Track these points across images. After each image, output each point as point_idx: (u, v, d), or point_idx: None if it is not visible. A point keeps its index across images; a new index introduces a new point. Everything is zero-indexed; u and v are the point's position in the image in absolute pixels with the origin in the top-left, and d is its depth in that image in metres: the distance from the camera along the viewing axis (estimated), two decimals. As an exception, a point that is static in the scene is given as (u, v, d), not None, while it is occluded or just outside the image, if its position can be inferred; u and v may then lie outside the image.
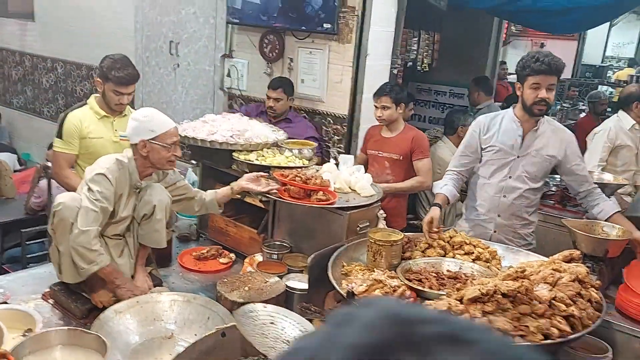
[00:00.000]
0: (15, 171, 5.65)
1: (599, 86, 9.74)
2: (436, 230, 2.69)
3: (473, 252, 2.71)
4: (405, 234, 2.80)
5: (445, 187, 2.95)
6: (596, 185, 2.91)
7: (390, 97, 3.54)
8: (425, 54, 5.53)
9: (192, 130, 3.19)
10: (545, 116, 2.88)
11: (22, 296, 2.58)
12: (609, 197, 3.63)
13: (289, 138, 3.48)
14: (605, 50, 11.62)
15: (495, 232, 2.98)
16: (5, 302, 2.45)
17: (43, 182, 4.47)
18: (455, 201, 3.27)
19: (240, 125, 3.24)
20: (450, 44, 5.69)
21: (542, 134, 2.86)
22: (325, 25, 3.87)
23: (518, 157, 2.89)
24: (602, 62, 11.35)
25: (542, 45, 10.73)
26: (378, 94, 3.59)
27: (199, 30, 4.73)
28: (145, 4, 5.05)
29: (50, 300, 2.55)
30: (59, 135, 3.13)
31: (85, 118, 3.12)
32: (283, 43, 4.21)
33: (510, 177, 2.92)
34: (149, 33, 5.08)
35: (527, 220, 2.97)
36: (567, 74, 10.35)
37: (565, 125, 6.01)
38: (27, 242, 4.56)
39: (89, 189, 2.38)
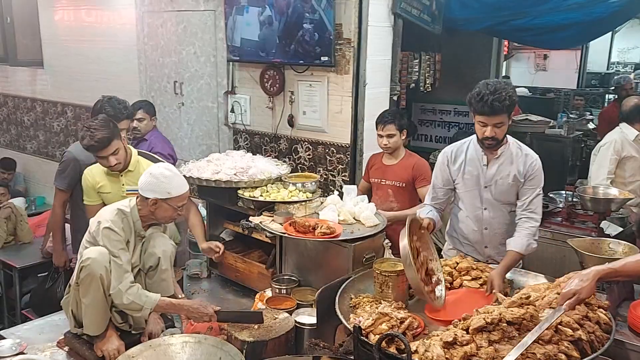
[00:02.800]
0: (30, 215, 5.76)
1: (606, 95, 9.70)
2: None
3: (480, 277, 2.72)
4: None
5: (430, 212, 2.90)
6: (530, 217, 2.73)
7: (395, 124, 3.56)
8: (427, 74, 5.58)
9: (197, 170, 3.25)
10: (511, 140, 2.83)
11: (38, 345, 2.64)
12: (618, 211, 3.63)
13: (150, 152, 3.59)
14: (610, 57, 11.58)
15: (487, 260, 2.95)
16: (22, 353, 2.50)
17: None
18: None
19: (243, 162, 3.30)
20: (452, 63, 5.74)
21: (506, 160, 2.79)
22: (322, 58, 3.95)
23: (485, 187, 2.85)
24: (607, 69, 11.30)
25: (546, 57, 10.74)
26: (382, 122, 3.58)
27: (200, 69, 4.84)
28: (147, 47, 5.18)
29: (65, 348, 2.61)
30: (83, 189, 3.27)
31: (97, 173, 3.23)
32: (283, 77, 4.30)
33: (485, 209, 2.89)
34: (153, 74, 5.21)
35: None
36: (572, 83, 10.37)
37: (574, 136, 5.91)
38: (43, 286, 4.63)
39: (105, 245, 2.45)
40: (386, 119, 3.58)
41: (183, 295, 2.91)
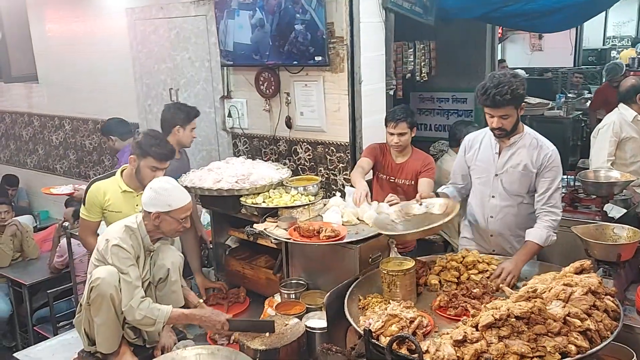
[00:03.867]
0: (35, 230, 5.79)
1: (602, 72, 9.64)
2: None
3: (487, 270, 2.73)
4: (418, 258, 2.84)
5: (446, 189, 3.09)
6: (551, 212, 2.78)
7: (407, 122, 3.52)
8: (422, 63, 5.57)
9: (199, 179, 3.25)
10: (528, 130, 2.88)
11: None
12: (621, 193, 3.62)
13: None
14: (605, 32, 11.51)
15: (493, 251, 2.98)
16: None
17: (64, 241, 4.57)
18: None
19: (244, 169, 3.30)
20: (447, 50, 5.72)
21: (519, 149, 2.84)
22: (316, 58, 3.94)
23: (496, 175, 2.90)
24: (603, 45, 11.24)
25: (541, 37, 10.67)
26: (394, 120, 3.52)
27: (196, 74, 4.84)
28: (141, 54, 5.17)
29: (80, 367, 2.63)
30: (84, 202, 3.19)
31: (108, 190, 3.13)
32: (278, 79, 4.29)
33: (493, 197, 2.93)
34: (148, 81, 5.20)
35: (521, 236, 2.90)
36: (568, 62, 10.32)
37: (573, 117, 5.89)
38: (55, 302, 4.66)
39: (114, 262, 2.46)
40: (398, 117, 3.52)
41: (200, 301, 2.91)
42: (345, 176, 4.10)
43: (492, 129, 2.80)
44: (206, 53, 4.71)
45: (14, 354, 2.80)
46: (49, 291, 4.61)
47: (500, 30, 8.41)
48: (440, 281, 2.69)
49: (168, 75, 5.04)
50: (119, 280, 2.45)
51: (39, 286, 4.87)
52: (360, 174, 3.49)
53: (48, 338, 3.52)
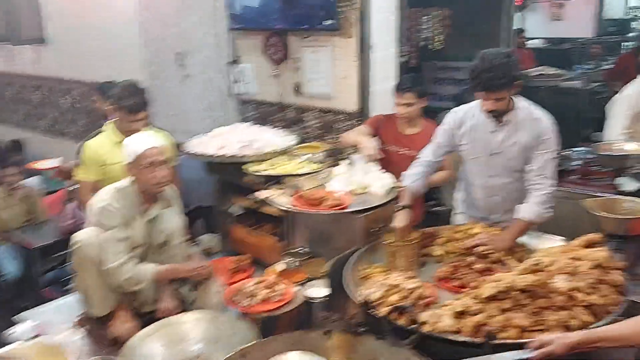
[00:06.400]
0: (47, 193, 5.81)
1: (622, 43, 9.38)
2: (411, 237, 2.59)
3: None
4: (425, 230, 2.80)
5: (416, 182, 2.80)
6: (541, 183, 2.61)
7: (414, 92, 3.34)
8: (436, 31, 5.43)
9: (203, 145, 3.22)
10: (521, 102, 2.68)
11: (55, 326, 2.67)
12: (636, 167, 3.53)
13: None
14: (627, 1, 11.14)
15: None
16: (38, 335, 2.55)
17: (71, 205, 4.59)
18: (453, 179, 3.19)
19: (249, 135, 3.25)
20: (463, 19, 5.55)
21: (514, 126, 2.65)
22: (326, 22, 3.84)
23: (492, 154, 2.72)
24: (625, 15, 10.89)
25: (561, 6, 10.34)
26: (400, 90, 3.36)
27: (203, 38, 4.75)
28: (146, 19, 5.08)
29: (82, 329, 2.64)
30: (80, 164, 3.21)
31: (102, 145, 3.17)
32: (287, 44, 4.20)
33: (490, 176, 2.78)
34: (155, 47, 5.12)
35: None
36: (589, 32, 10.02)
37: (590, 88, 5.63)
38: (64, 265, 4.70)
39: (100, 224, 2.44)
40: (404, 87, 3.35)
41: None
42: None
43: (486, 111, 2.61)
44: (213, 17, 4.61)
45: (14, 317, 2.82)
46: (59, 254, 4.64)
47: (519, -1, 8.14)
48: (444, 253, 2.66)
49: (175, 40, 4.95)
50: (103, 241, 2.44)
51: (48, 249, 4.90)
52: (361, 133, 3.36)
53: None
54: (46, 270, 5.03)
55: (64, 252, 4.63)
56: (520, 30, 8.55)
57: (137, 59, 5.23)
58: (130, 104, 3.05)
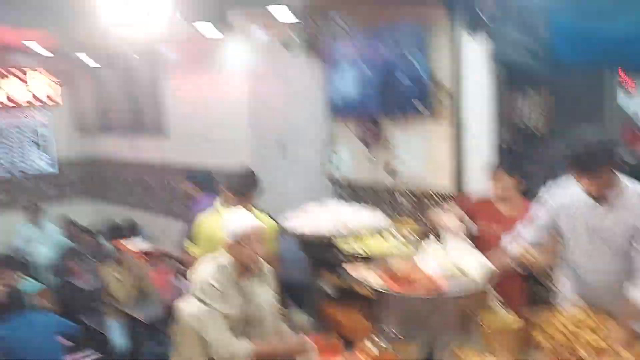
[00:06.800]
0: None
1: None
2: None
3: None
4: (527, 314, 2.64)
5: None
6: None
7: (508, 173, 3.34)
8: (535, 113, 5.32)
9: (296, 222, 3.32)
10: (629, 186, 2.52)
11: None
12: None
13: None
14: None
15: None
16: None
17: (173, 278, 4.83)
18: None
19: (342, 214, 3.32)
20: (562, 101, 5.39)
21: (620, 208, 2.49)
22: (419, 107, 3.95)
23: (593, 233, 2.57)
24: None
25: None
26: (491, 168, 3.41)
27: (304, 124, 5.04)
28: (255, 108, 5.47)
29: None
30: (191, 239, 3.52)
31: (214, 220, 3.37)
32: (381, 128, 4.35)
33: (591, 257, 2.62)
34: (260, 133, 5.48)
35: None
36: None
37: None
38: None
39: (200, 299, 2.57)
40: (499, 168, 3.38)
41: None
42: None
43: (587, 192, 2.49)
44: (314, 105, 4.90)
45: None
46: (162, 328, 4.83)
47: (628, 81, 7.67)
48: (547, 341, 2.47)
49: (277, 126, 5.28)
50: (205, 316, 2.54)
51: (155, 323, 5.13)
52: (449, 212, 3.35)
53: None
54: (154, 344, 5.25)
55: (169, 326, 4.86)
56: (631, 116, 8.11)
57: (245, 145, 5.60)
58: (241, 187, 3.31)
